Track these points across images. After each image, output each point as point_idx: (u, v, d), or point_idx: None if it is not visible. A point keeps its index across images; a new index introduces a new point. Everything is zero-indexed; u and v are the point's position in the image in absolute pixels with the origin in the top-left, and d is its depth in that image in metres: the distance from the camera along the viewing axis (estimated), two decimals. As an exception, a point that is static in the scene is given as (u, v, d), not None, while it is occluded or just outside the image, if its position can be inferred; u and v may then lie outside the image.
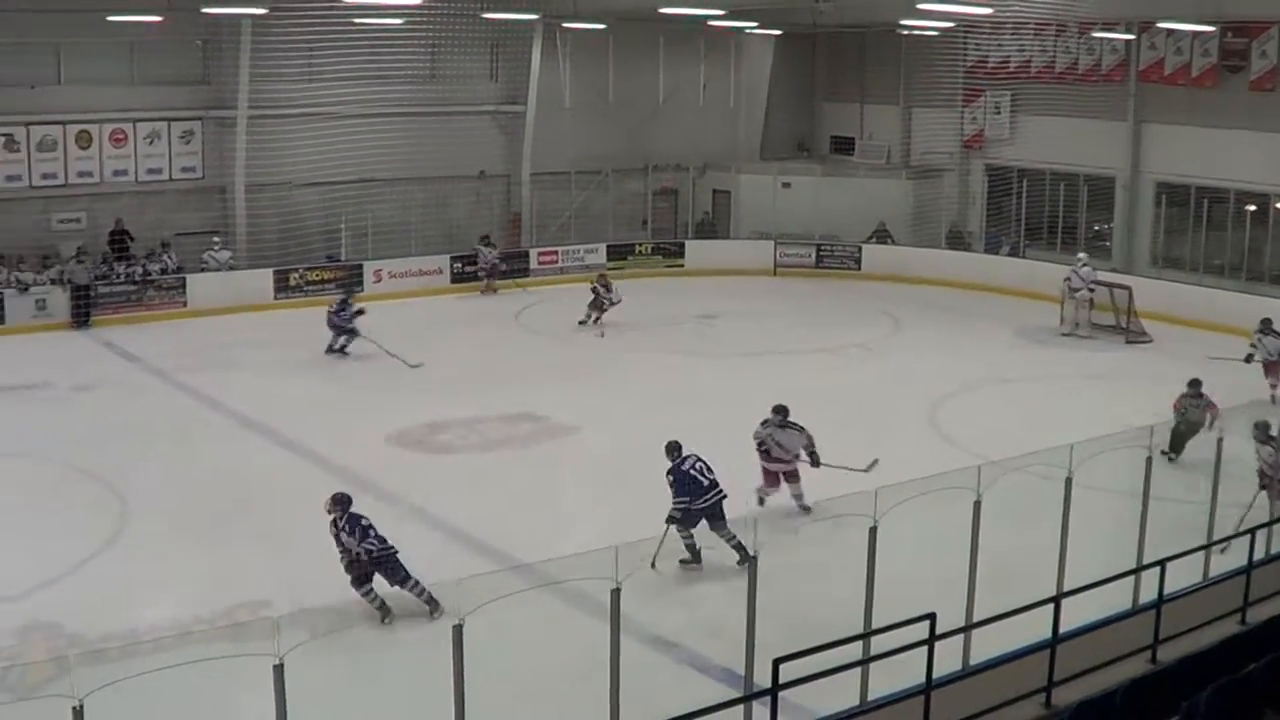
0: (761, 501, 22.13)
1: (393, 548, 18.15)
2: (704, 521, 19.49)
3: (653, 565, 18.50)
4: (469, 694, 11.29)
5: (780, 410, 22.34)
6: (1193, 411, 23.95)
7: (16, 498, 23.09)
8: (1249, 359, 29.35)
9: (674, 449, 20.23)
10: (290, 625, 10.31)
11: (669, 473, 19.91)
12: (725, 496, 19.77)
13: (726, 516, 19.60)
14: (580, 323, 37.39)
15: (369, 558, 17.97)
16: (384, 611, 17.81)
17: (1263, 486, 20.40)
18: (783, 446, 22.08)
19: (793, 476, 22.15)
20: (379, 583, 18.01)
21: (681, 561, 19.44)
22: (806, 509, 21.78)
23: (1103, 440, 16.61)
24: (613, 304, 37.56)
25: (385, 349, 32.50)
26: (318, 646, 10.26)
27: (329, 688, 13.11)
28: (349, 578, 18.01)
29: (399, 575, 18.01)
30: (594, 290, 37.79)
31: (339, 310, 34.10)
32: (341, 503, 18.51)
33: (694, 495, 19.57)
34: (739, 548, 19.05)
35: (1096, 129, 42.88)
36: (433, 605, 17.56)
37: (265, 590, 18.53)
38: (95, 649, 16.42)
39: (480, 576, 12.28)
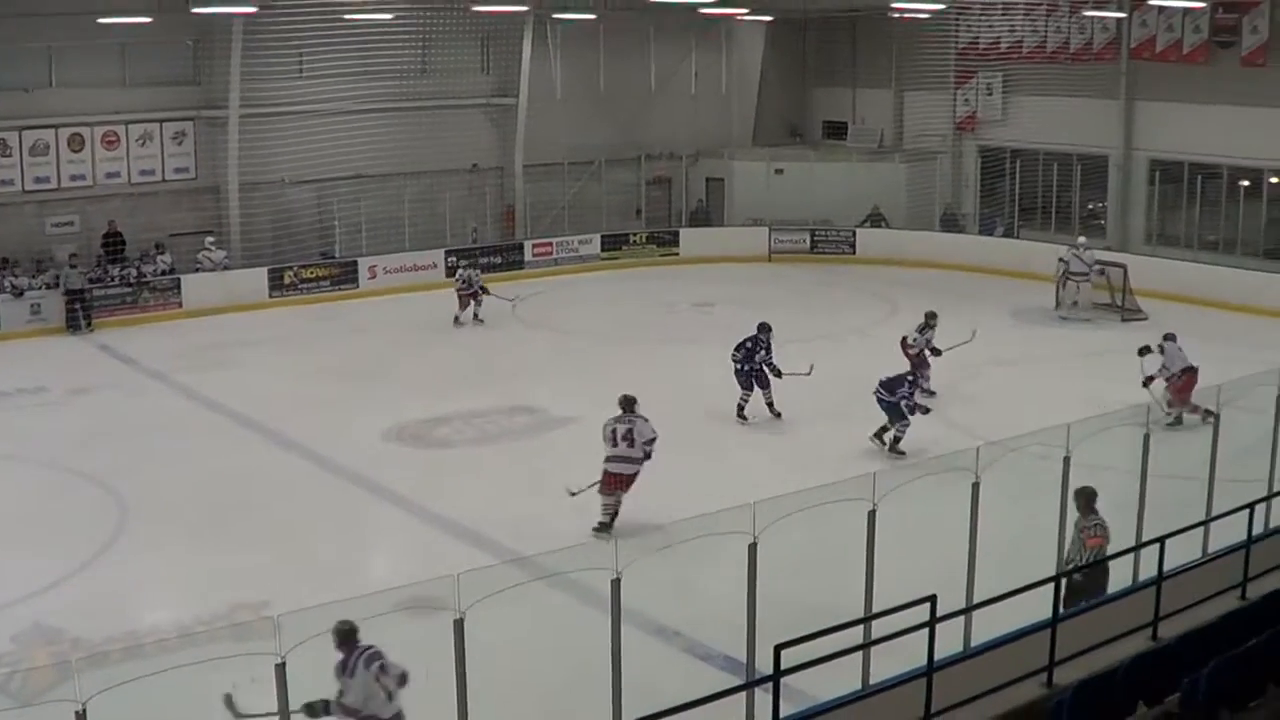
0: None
1: None
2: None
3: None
4: (471, 687, 11.30)
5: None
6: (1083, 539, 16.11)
7: (16, 503, 23.11)
8: (1149, 382, 26.59)
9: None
10: (291, 623, 10.31)
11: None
12: None
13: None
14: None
15: None
16: None
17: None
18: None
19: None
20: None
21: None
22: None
23: (1100, 419, 16.60)
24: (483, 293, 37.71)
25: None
26: (319, 644, 10.26)
27: (331, 685, 13.10)
28: None
29: None
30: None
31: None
32: None
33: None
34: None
35: (1089, 108, 42.90)
36: None
37: (265, 590, 18.57)
38: (97, 652, 16.45)
39: (480, 570, 12.30)
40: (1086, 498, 16.05)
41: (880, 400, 25.08)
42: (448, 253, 42.85)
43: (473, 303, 37.67)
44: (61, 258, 37.33)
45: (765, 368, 27.55)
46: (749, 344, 27.57)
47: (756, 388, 27.54)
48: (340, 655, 12.67)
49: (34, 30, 36.37)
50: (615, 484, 21.09)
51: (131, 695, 9.84)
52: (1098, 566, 15.57)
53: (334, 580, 18.23)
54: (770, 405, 27.54)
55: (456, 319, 37.34)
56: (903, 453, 24.60)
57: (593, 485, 21.21)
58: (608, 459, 21.23)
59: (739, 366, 27.50)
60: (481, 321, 37.34)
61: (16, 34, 35.40)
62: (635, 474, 21.21)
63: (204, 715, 14.44)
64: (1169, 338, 27.06)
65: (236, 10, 37.58)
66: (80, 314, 36.41)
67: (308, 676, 10.67)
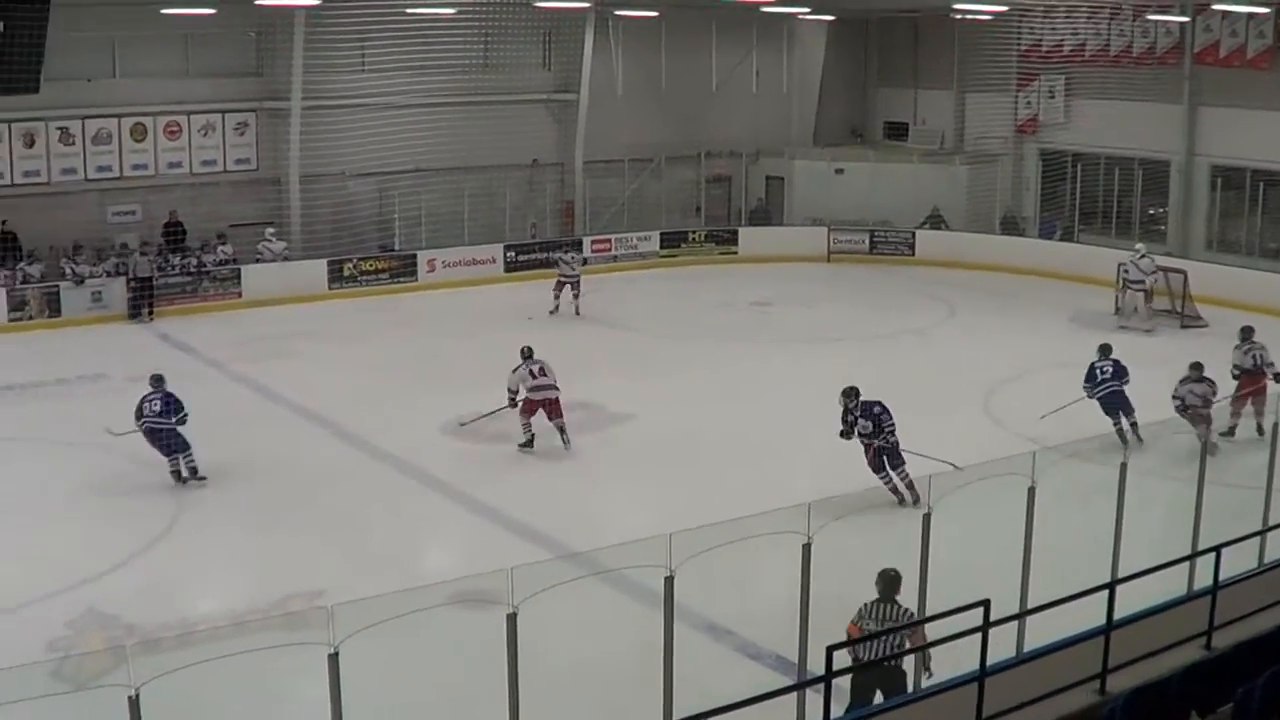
0: None
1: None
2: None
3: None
4: (523, 682, 11.31)
5: None
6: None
7: (74, 489, 23.23)
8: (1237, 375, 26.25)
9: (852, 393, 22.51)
10: (344, 614, 10.34)
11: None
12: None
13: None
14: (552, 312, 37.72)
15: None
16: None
17: None
18: None
19: None
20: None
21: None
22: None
23: (1158, 425, 16.54)
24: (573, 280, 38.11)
25: None
26: (372, 635, 10.26)
27: (383, 676, 13.14)
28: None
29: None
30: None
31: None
32: None
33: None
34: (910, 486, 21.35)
35: (1151, 112, 42.57)
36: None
37: (319, 579, 18.66)
38: (151, 639, 16.54)
39: (533, 565, 12.27)
40: (886, 582, 13.94)
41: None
42: (506, 248, 43.01)
43: (570, 290, 37.86)
44: (130, 245, 37.62)
45: (886, 442, 22.28)
46: (851, 417, 22.53)
47: (889, 468, 22.13)
48: None
49: (98, 20, 36.63)
50: (534, 407, 25.42)
51: (183, 682, 9.88)
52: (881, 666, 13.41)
53: (388, 571, 18.32)
54: (911, 487, 21.36)
55: (557, 307, 37.80)
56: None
57: (487, 415, 26.31)
58: (530, 389, 25.43)
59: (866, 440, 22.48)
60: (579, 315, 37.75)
61: (80, 24, 35.54)
62: (556, 397, 25.56)
63: (254, 704, 14.55)
64: (1245, 332, 26.66)
65: (299, 3, 37.80)
66: (143, 302, 36.69)
67: (360, 667, 10.68)
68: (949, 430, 25.77)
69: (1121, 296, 36.70)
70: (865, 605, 13.80)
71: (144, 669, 9.82)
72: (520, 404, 25.53)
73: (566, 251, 39.08)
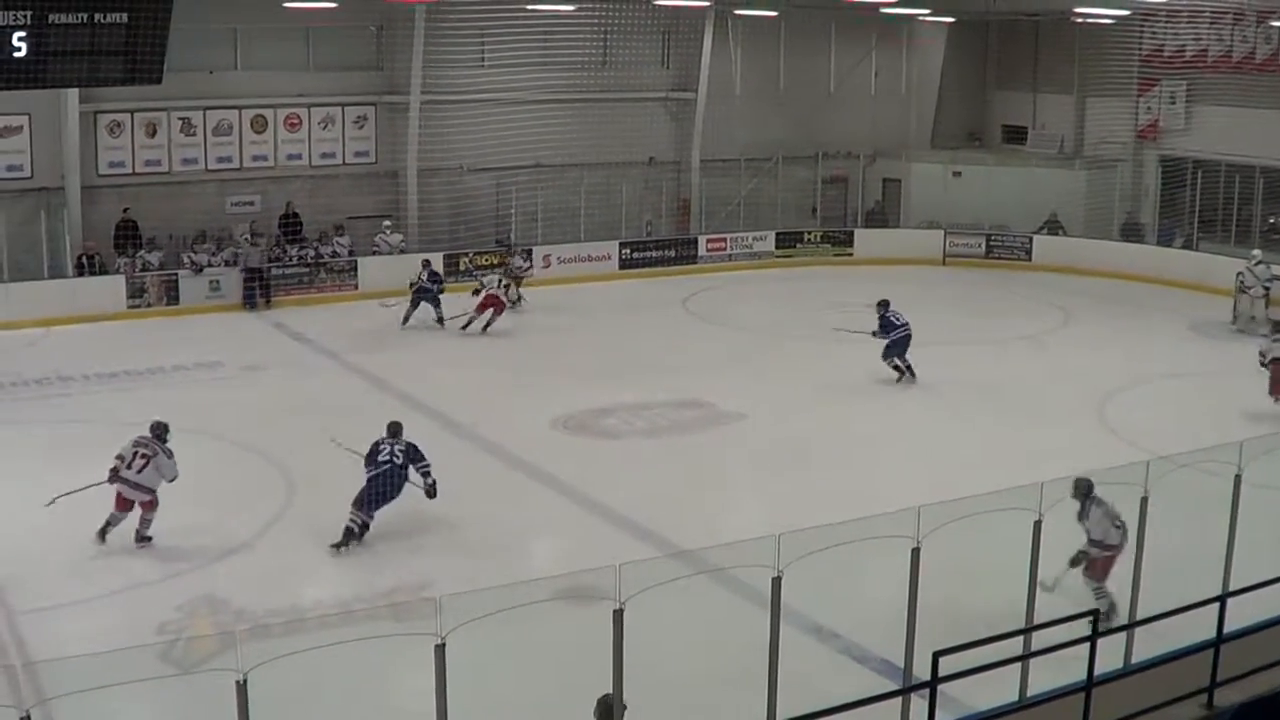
0: None
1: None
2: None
3: None
4: (628, 678, 11.32)
5: None
6: None
7: (187, 475, 23.36)
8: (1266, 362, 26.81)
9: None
10: (451, 606, 10.37)
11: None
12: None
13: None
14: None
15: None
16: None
17: None
18: None
19: None
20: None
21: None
22: None
23: (1274, 437, 16.34)
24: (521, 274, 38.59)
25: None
26: (478, 627, 10.29)
27: (489, 669, 13.17)
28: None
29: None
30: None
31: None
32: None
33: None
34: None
35: (1273, 120, 41.89)
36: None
37: (427, 571, 18.79)
38: (260, 624, 16.68)
39: (641, 562, 12.24)
40: (603, 710, 12.04)
41: None
42: (622, 245, 43.10)
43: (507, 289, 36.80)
44: (240, 235, 38.10)
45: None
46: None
47: None
48: None
49: (220, 12, 36.96)
50: (487, 303, 34.61)
51: (291, 669, 9.96)
52: None
53: (495, 565, 18.38)
54: None
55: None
56: None
57: (469, 313, 34.60)
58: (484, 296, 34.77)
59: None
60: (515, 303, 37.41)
61: (204, 16, 35.76)
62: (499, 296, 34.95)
63: (361, 692, 14.63)
64: (1277, 326, 26.59)
65: (420, -2, 38.05)
66: (258, 292, 37.05)
67: (466, 659, 10.71)
68: (1062, 438, 25.59)
69: (1238, 303, 36.30)
70: None
71: (252, 654, 9.91)
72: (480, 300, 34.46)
73: (512, 252, 39.12)
